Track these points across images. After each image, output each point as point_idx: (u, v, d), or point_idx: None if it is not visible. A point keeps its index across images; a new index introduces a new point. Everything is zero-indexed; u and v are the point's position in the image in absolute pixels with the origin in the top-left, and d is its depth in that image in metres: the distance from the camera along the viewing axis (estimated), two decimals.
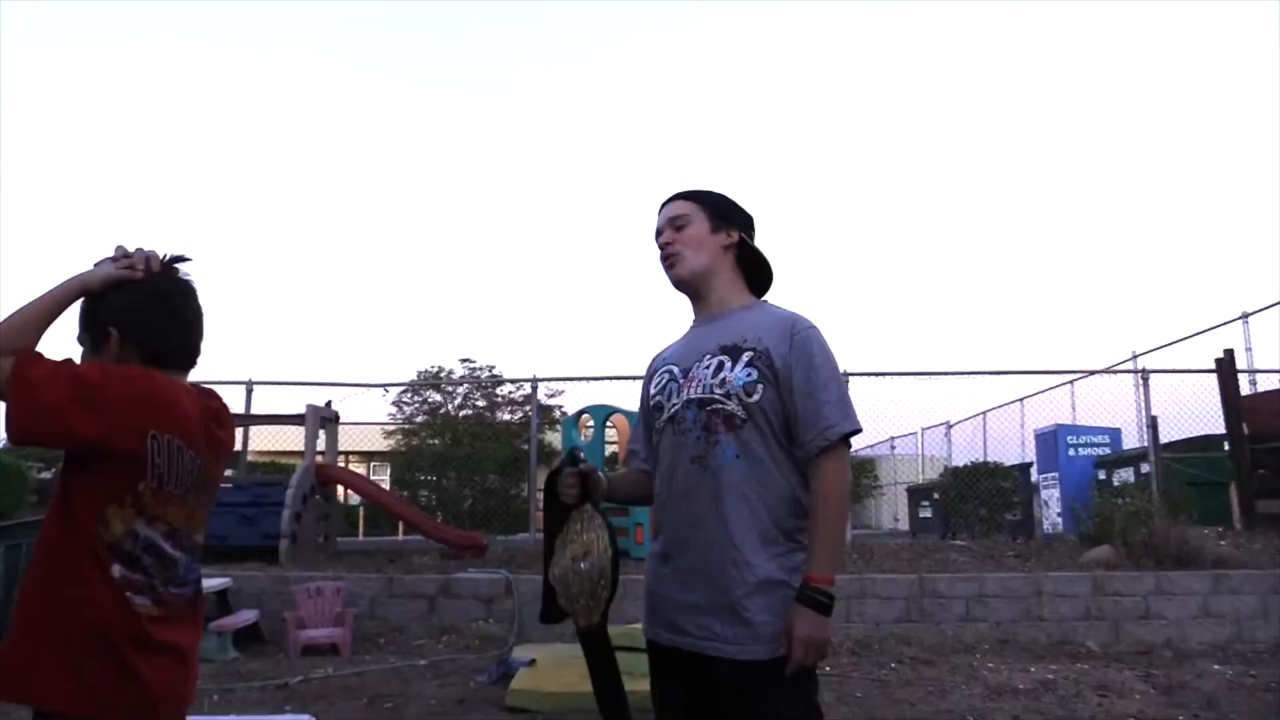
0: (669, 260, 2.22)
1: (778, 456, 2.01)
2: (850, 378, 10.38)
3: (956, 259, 59.05)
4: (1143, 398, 11.69)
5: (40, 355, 1.67)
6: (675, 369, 2.16)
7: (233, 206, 62.61)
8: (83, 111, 59.22)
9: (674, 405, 2.10)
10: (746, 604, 1.92)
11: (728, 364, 2.05)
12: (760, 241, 2.29)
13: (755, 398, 2.00)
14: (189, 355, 1.92)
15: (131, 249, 1.87)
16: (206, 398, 1.92)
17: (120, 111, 60.59)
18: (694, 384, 2.08)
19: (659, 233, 2.25)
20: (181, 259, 1.92)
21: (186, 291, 1.93)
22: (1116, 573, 7.86)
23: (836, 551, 1.98)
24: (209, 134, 62.35)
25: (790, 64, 63.85)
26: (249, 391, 11.27)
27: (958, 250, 58.65)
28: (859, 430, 2.04)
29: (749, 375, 2.01)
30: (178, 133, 62.49)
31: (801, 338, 2.05)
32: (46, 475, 16.79)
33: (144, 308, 1.83)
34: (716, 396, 2.03)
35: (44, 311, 1.73)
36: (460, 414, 16.77)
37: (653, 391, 2.22)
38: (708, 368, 2.07)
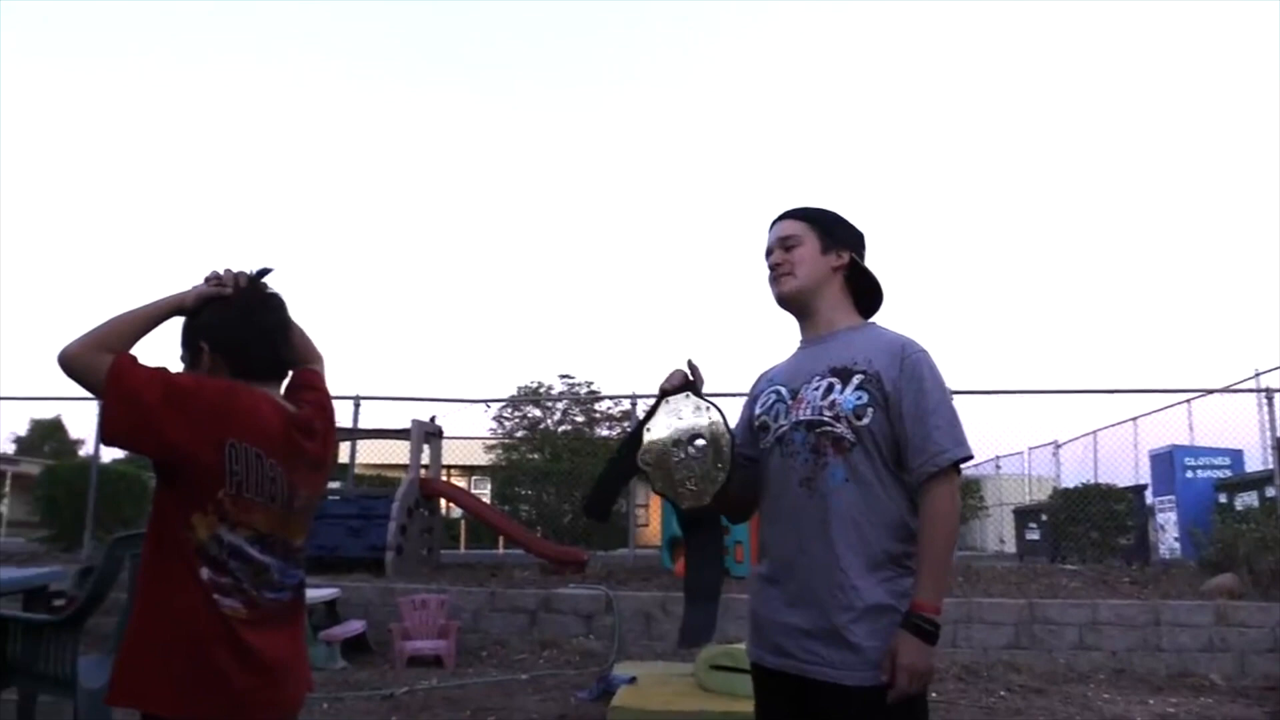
0: (777, 278, 2.21)
1: (886, 481, 1.99)
2: (955, 395, 10.12)
3: (1067, 272, 57.30)
4: (1267, 418, 11.10)
5: (137, 358, 1.77)
6: (783, 389, 2.14)
7: (344, 226, 64.75)
8: (204, 133, 62.10)
9: (781, 426, 2.09)
10: (853, 629, 1.90)
11: (838, 386, 2.03)
12: (870, 260, 2.26)
13: (865, 421, 1.98)
14: (275, 366, 2.00)
15: (223, 271, 1.97)
16: (296, 408, 1.99)
17: (240, 135, 63.32)
18: (803, 405, 2.06)
19: (769, 252, 2.24)
20: (265, 272, 2.01)
21: (271, 305, 2.01)
22: (1241, 602, 7.48)
23: (944, 579, 1.97)
24: (324, 152, 64.66)
25: (896, 71, 63.04)
26: (356, 406, 11.60)
27: (1068, 263, 56.91)
28: (970, 457, 2.01)
29: (859, 398, 2.00)
30: (295, 147, 64.95)
31: (912, 361, 2.03)
32: None
33: (230, 322, 1.92)
34: (826, 419, 2.01)
35: (140, 322, 1.84)
36: (559, 429, 16.98)
37: (758, 411, 2.19)
38: (817, 389, 2.06)
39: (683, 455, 2.00)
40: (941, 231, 61.32)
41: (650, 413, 2.07)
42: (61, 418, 30.72)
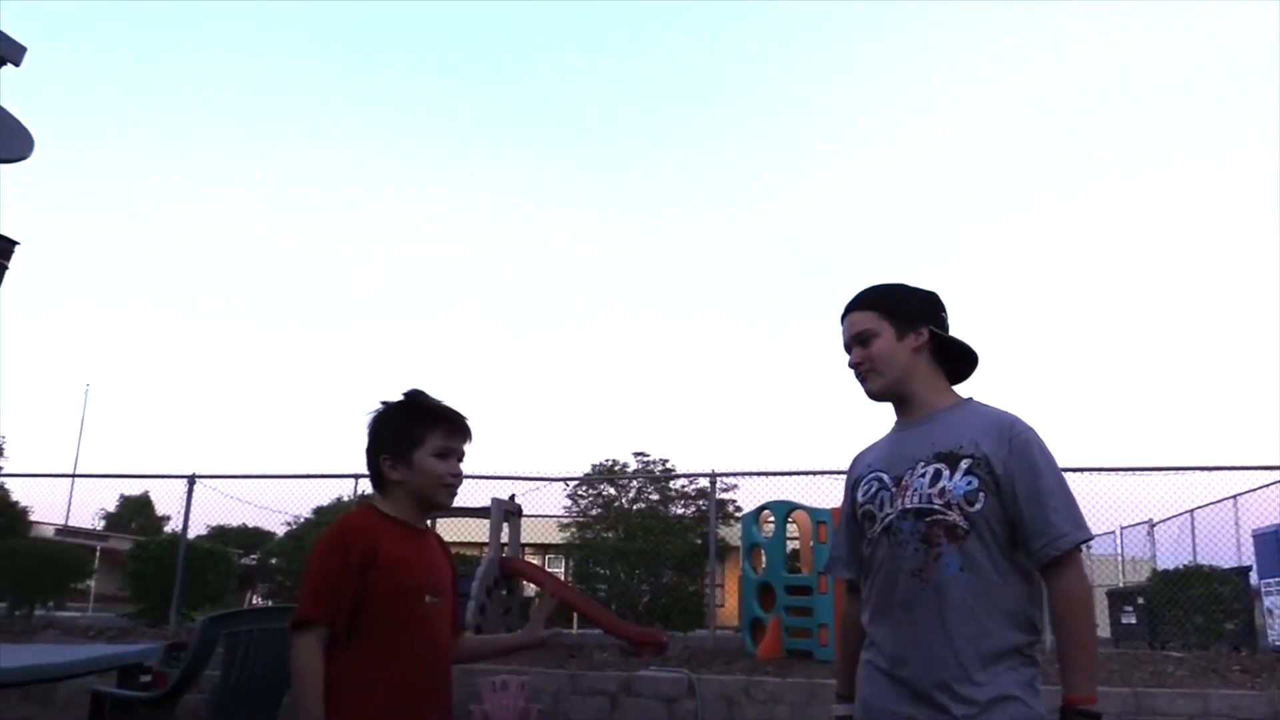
0: (863, 379, 2.17)
1: (1003, 568, 1.93)
2: None
3: (1161, 344, 55.79)
4: None
5: None
6: (885, 476, 2.09)
7: (432, 304, 66.30)
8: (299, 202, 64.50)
9: (888, 515, 2.04)
10: None
11: (945, 472, 1.98)
12: (952, 323, 2.21)
13: (977, 507, 1.93)
14: None
15: None
16: None
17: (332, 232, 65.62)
18: (909, 493, 2.01)
19: (846, 347, 2.20)
20: None
21: None
22: None
23: (1093, 666, 1.91)
24: (403, 227, 66.61)
25: (963, 140, 62.94)
26: None
27: (1163, 334, 55.46)
28: (1090, 538, 1.96)
29: (969, 484, 1.95)
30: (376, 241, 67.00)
31: (1021, 441, 1.98)
32: (250, 560, 17.93)
33: None
34: (936, 507, 1.96)
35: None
36: (633, 507, 16.88)
37: (860, 499, 2.14)
38: (923, 476, 2.01)
39: None
40: (1034, 302, 60.37)
41: None
42: (149, 494, 31.59)
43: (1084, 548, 1.99)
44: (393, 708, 2.16)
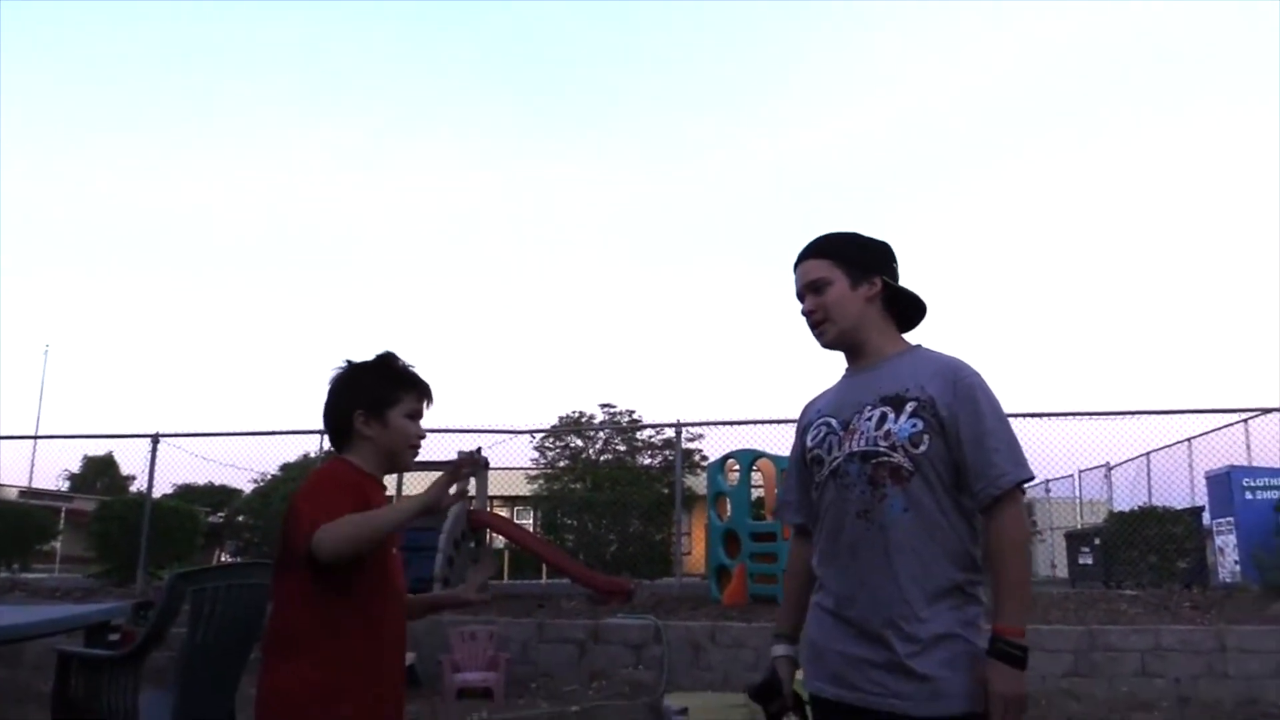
0: (817, 328, 2.18)
1: (947, 508, 1.97)
2: None
3: (1118, 290, 56.48)
4: None
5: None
6: (833, 421, 2.11)
7: (394, 260, 65.60)
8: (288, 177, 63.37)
9: (835, 459, 2.06)
10: (920, 660, 1.87)
11: (891, 415, 2.00)
12: (903, 272, 2.22)
13: (922, 449, 1.96)
14: None
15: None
16: None
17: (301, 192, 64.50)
18: (856, 436, 2.04)
19: (799, 295, 2.21)
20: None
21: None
22: None
23: (1024, 601, 1.95)
24: (353, 178, 65.65)
25: (941, 75, 62.85)
26: None
27: (1120, 280, 56.11)
28: (1031, 478, 1.99)
29: (914, 426, 1.97)
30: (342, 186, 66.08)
31: (966, 384, 2.00)
32: (217, 519, 17.88)
33: None
34: (882, 449, 1.99)
35: (396, 526, 2.21)
36: (600, 458, 16.98)
37: (810, 444, 2.16)
38: (869, 419, 2.03)
39: None
40: (989, 250, 60.79)
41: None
42: (113, 454, 31.27)
43: (1044, 490, 2.03)
44: (371, 658, 2.23)
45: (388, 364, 2.43)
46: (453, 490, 2.20)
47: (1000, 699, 1.83)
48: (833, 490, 2.06)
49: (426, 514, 2.21)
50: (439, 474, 2.22)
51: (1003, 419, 2.01)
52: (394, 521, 2.16)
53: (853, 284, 2.14)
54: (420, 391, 2.44)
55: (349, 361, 2.44)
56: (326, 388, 2.41)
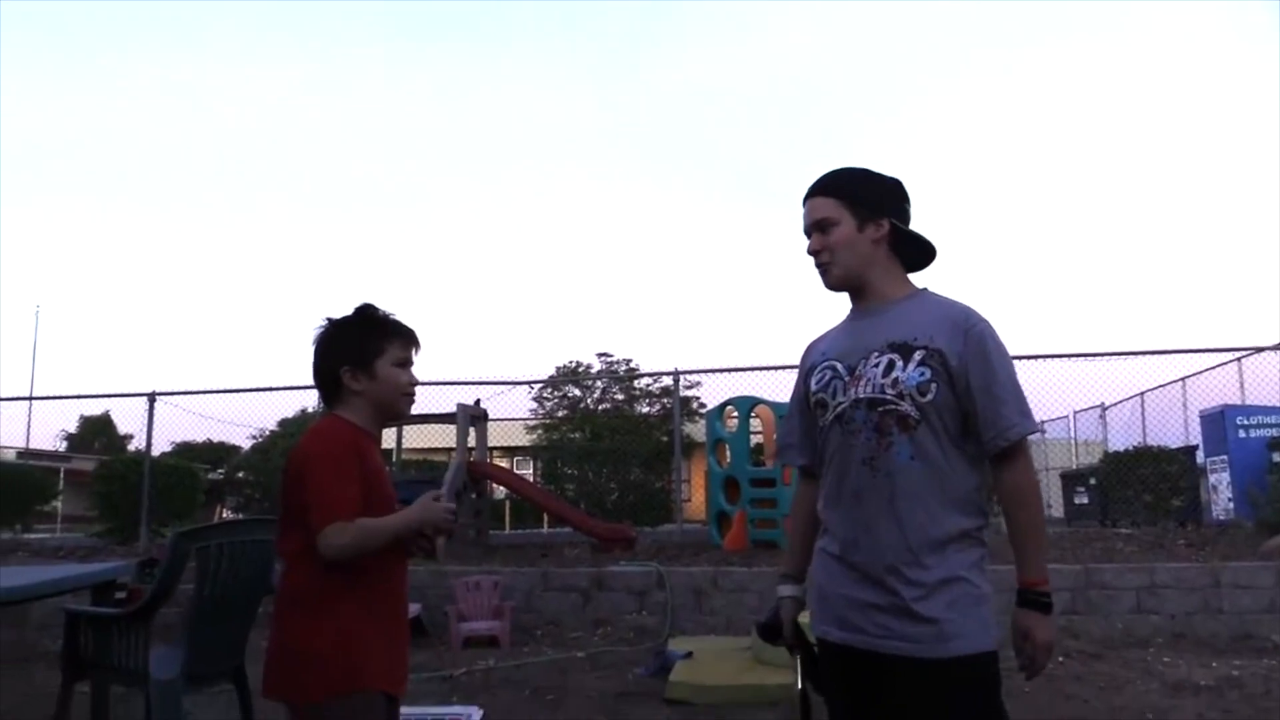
0: (822, 268, 2.15)
1: (952, 456, 1.97)
2: None
3: (1112, 230, 56.31)
4: None
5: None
6: (839, 365, 2.09)
7: (388, 214, 65.13)
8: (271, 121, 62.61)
9: (840, 404, 2.05)
10: (927, 603, 1.89)
11: (899, 363, 1.99)
12: (913, 213, 2.18)
13: (929, 397, 1.95)
14: None
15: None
16: None
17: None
18: (862, 383, 2.02)
19: (806, 233, 2.16)
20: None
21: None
22: None
23: (1043, 550, 2.01)
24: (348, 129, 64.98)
25: (934, 37, 62.03)
26: None
27: (1114, 221, 55.92)
28: (1038, 430, 2.00)
29: (922, 375, 1.96)
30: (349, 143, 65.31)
31: (976, 334, 1.99)
32: (217, 475, 17.94)
33: None
34: (889, 396, 1.97)
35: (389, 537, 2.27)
36: (599, 408, 17.03)
37: (813, 388, 2.13)
38: (876, 366, 2.01)
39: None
40: (986, 190, 60.49)
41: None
42: (110, 414, 31.26)
43: (1040, 432, 2.05)
44: (385, 611, 2.31)
45: (368, 315, 2.39)
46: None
47: (1043, 648, 1.91)
48: (837, 435, 2.05)
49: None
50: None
51: (1011, 371, 2.01)
52: (395, 533, 2.25)
53: (860, 225, 2.10)
54: (405, 339, 2.39)
55: (329, 319, 2.39)
56: (311, 348, 2.38)
